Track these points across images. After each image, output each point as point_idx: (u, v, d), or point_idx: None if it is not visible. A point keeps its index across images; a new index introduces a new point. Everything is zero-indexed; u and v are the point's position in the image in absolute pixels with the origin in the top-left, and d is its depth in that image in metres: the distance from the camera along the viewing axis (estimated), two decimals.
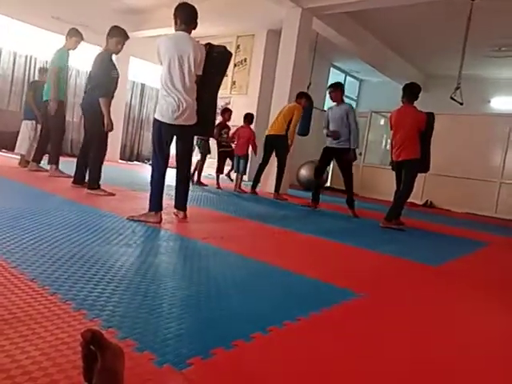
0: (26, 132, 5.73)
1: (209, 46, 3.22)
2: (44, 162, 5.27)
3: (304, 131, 7.97)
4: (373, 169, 9.35)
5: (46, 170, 5.13)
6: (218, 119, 6.22)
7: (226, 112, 6.89)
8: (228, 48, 3.44)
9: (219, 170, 6.82)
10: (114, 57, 4.13)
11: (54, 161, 5.02)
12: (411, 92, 4.45)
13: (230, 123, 7.09)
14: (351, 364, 1.23)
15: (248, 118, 6.75)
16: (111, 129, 4.08)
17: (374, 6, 7.01)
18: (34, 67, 8.82)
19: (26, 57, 8.91)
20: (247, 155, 6.86)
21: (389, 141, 5.71)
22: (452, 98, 6.37)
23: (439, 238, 4.45)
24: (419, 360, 1.32)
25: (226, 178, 7.41)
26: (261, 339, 1.28)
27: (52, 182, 4.63)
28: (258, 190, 6.52)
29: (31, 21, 8.64)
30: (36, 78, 6.39)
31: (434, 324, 1.70)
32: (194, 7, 3.13)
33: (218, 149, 6.81)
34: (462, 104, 6.42)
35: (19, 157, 5.84)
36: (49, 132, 5.12)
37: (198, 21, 3.16)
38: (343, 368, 1.20)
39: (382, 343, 1.43)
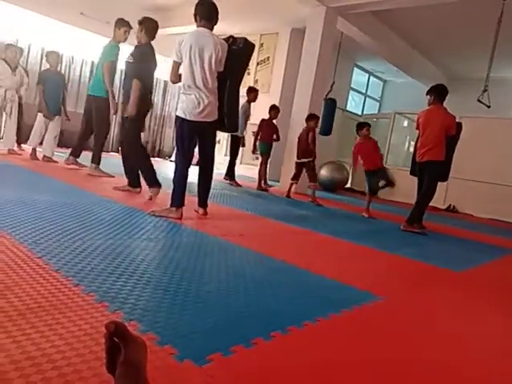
0: (42, 125, 5.55)
1: (231, 40, 3.21)
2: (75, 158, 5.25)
3: (326, 131, 7.92)
4: (395, 171, 9.19)
5: (83, 166, 5.03)
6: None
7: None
8: None
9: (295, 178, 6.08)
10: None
11: (95, 159, 4.84)
12: (440, 93, 4.35)
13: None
14: (370, 368, 1.21)
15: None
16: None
17: (400, 5, 6.89)
18: (61, 62, 8.96)
19: None
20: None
21: (412, 143, 5.61)
22: (479, 101, 6.21)
23: (462, 243, 4.35)
24: (437, 366, 1.29)
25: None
26: (280, 338, 1.27)
27: (76, 175, 4.69)
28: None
29: (58, 17, 8.82)
30: (46, 68, 5.87)
31: (456, 331, 1.66)
32: (212, 3, 3.11)
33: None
34: (489, 107, 6.26)
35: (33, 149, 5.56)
36: (90, 128, 4.93)
37: (222, 19, 3.15)
38: (362, 371, 1.18)
39: (402, 348, 1.40)
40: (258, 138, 6.74)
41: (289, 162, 7.36)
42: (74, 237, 2.05)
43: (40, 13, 8.60)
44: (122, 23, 4.77)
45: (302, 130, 6.01)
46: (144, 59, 3.97)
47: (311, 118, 5.95)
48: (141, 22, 4.05)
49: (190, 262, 1.98)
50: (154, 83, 11.12)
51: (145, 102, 3.95)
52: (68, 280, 1.46)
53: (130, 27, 4.81)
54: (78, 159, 5.16)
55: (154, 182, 3.78)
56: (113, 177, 4.83)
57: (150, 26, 4.07)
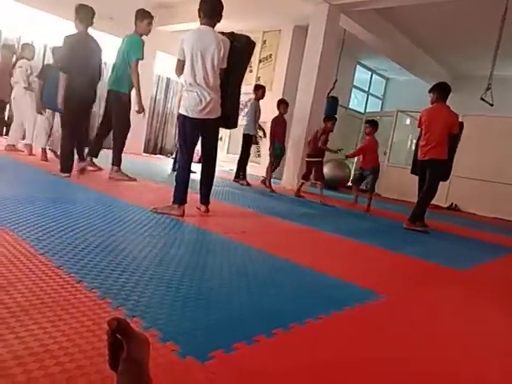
0: (45, 121, 5.35)
1: (232, 36, 3.19)
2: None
3: None
4: (398, 169, 9.18)
5: (100, 169, 4.76)
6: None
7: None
8: None
9: (305, 177, 6.12)
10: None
11: (116, 161, 4.43)
12: (443, 91, 4.34)
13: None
14: (371, 366, 1.21)
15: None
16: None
17: (403, 3, 6.86)
18: None
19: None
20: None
21: (414, 141, 5.62)
22: (482, 99, 6.19)
23: (465, 242, 4.34)
24: (439, 365, 1.29)
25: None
26: (282, 336, 1.27)
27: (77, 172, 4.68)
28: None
29: (60, 13, 8.79)
30: (49, 63, 5.65)
31: (458, 330, 1.66)
32: (217, 0, 3.08)
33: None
34: (492, 105, 6.24)
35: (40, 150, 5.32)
36: (110, 125, 4.51)
37: (225, 16, 3.13)
38: (363, 370, 1.18)
39: (404, 346, 1.40)
40: (274, 139, 6.40)
41: (291, 160, 7.36)
42: (77, 233, 2.06)
43: (41, 9, 8.59)
44: (143, 15, 4.32)
45: (319, 128, 6.04)
46: (75, 49, 3.93)
47: (330, 118, 6.01)
48: (76, 10, 4.00)
49: (191, 259, 1.98)
50: (157, 80, 11.14)
51: (74, 95, 3.94)
52: (70, 276, 1.47)
53: (152, 18, 4.38)
54: (94, 159, 4.77)
55: (64, 165, 4.04)
56: (135, 180, 4.51)
57: (84, 13, 3.99)
